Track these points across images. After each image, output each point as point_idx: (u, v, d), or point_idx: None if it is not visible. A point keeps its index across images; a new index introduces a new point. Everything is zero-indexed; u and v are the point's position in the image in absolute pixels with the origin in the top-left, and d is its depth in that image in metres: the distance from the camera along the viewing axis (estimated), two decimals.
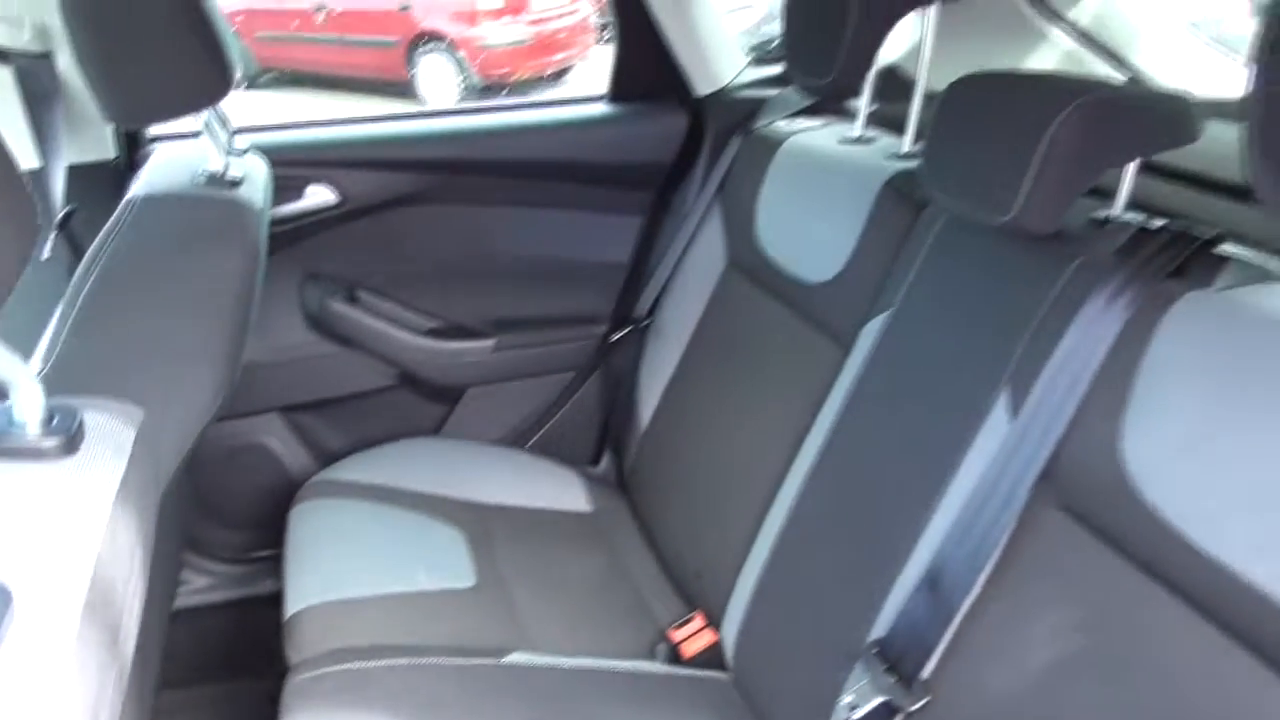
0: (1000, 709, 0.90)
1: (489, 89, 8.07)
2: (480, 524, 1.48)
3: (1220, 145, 0.95)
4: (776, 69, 1.69)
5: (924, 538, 0.99)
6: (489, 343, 1.71)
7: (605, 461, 1.77)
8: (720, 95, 1.68)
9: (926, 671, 0.95)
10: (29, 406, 0.65)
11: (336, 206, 1.59)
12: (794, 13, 1.33)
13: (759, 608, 1.21)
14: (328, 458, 1.63)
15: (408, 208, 1.64)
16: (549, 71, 8.32)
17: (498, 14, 7.98)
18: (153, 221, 1.01)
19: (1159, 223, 0.96)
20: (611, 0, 1.66)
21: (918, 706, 0.94)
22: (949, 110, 1.05)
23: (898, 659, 0.96)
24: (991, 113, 1.00)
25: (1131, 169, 1.00)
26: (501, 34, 7.97)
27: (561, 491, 1.62)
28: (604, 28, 8.78)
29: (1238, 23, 1.67)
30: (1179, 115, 0.98)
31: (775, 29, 1.53)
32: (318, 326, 1.66)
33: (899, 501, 1.04)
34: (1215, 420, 0.77)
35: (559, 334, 1.75)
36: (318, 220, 1.59)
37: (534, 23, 8.12)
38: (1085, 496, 0.87)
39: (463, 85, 8.00)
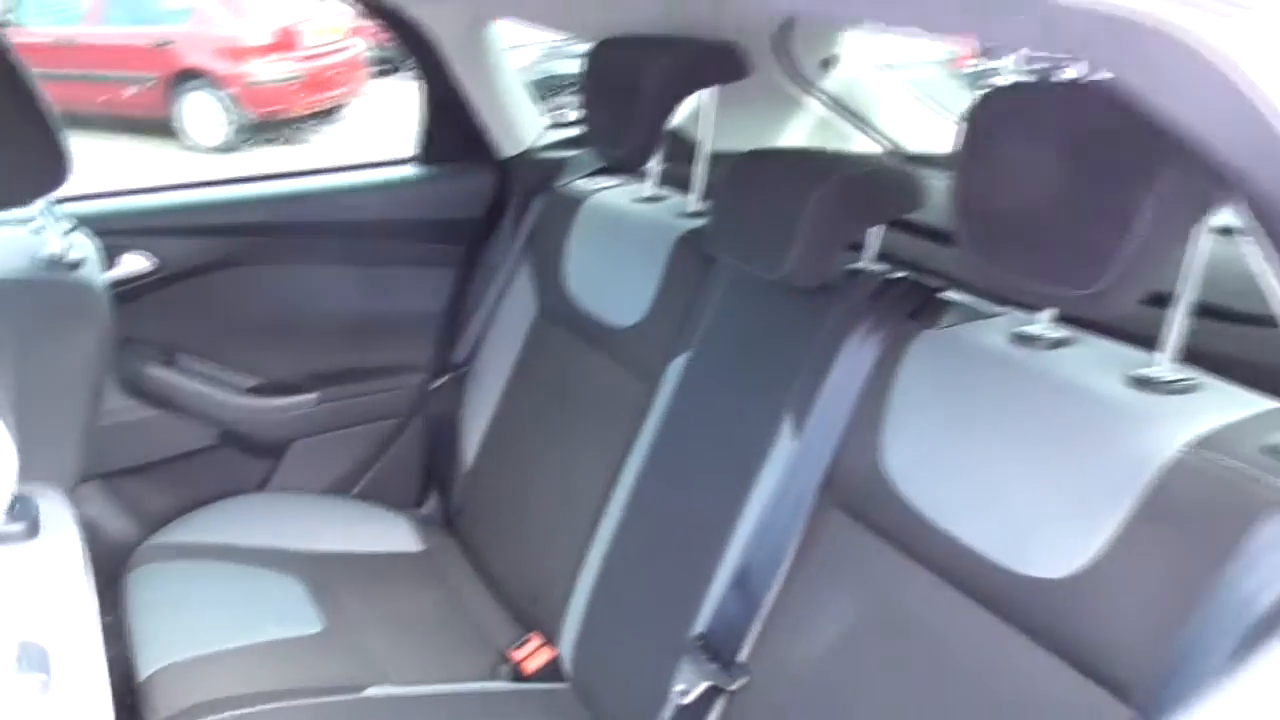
0: (805, 681, 1.09)
1: (261, 127, 7.85)
2: (318, 572, 1.54)
3: (942, 197, 1.20)
4: (574, 131, 1.86)
5: (731, 542, 1.17)
6: (312, 396, 1.77)
7: (431, 503, 1.86)
8: (524, 157, 1.82)
9: (743, 656, 1.13)
10: None
11: (152, 273, 1.61)
12: (591, 93, 1.50)
13: (592, 620, 1.36)
14: (154, 521, 1.64)
15: (225, 270, 1.68)
16: (324, 108, 8.21)
17: (265, 50, 7.78)
18: (2, 308, 1.04)
19: (899, 274, 1.20)
20: (420, 69, 1.77)
21: (738, 686, 1.12)
22: (731, 183, 1.24)
23: (718, 648, 1.13)
24: (765, 186, 1.21)
25: (877, 229, 1.23)
26: (271, 70, 7.77)
27: (391, 534, 1.70)
28: (380, 62, 8.75)
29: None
30: (910, 186, 1.21)
31: (552, 66, 1.68)
32: (134, 391, 1.66)
33: (708, 514, 1.21)
34: (947, 431, 0.99)
35: (380, 384, 1.84)
36: (132, 287, 1.61)
37: (305, 59, 7.97)
38: (858, 497, 1.07)
39: (231, 124, 7.75)
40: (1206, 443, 0.81)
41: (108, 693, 0.65)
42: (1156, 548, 0.81)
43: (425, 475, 1.88)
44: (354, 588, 1.53)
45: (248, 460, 1.78)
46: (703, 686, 1.12)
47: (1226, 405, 0.85)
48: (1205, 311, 0.92)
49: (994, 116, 0.90)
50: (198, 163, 7.43)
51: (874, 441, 1.06)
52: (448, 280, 1.87)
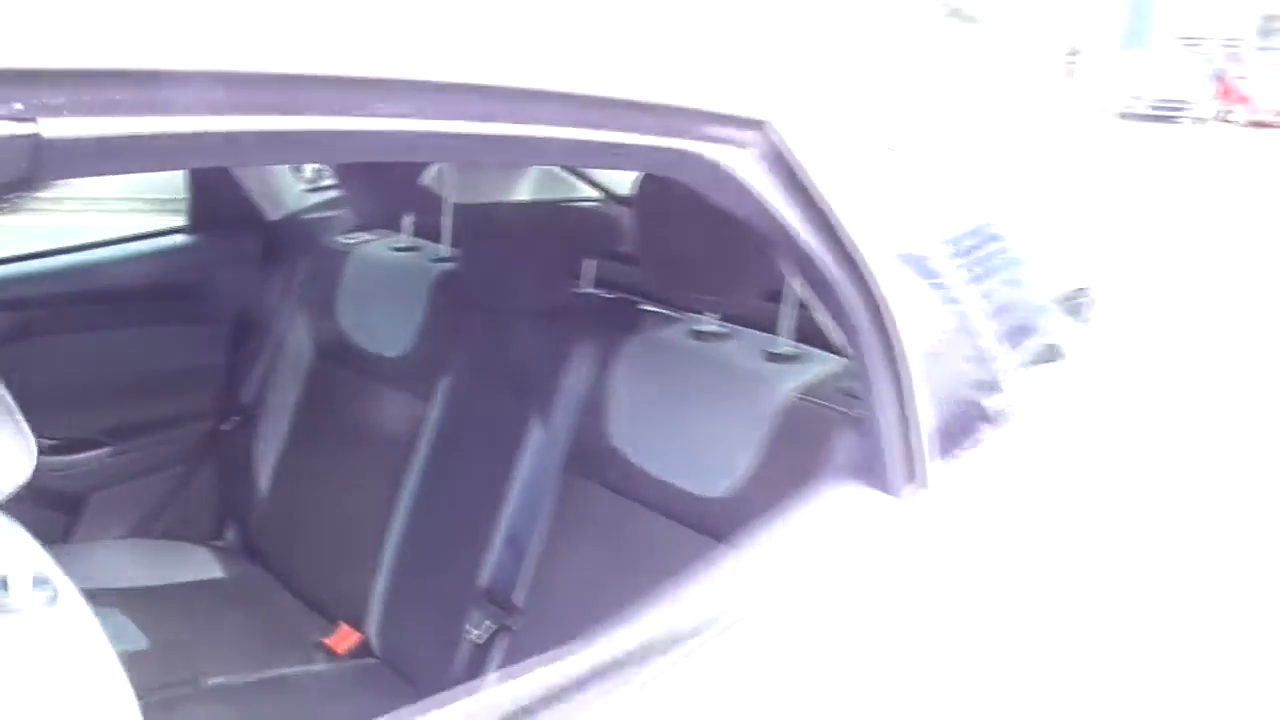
0: (569, 614, 1.40)
1: None
2: (132, 603, 1.70)
3: None
4: (331, 194, 2.12)
5: (501, 514, 1.49)
6: (105, 450, 1.92)
7: (230, 534, 2.04)
8: (289, 219, 2.07)
9: (519, 601, 1.45)
10: None
11: None
12: (347, 167, 1.78)
13: (392, 599, 1.63)
14: None
15: (10, 345, 1.81)
16: None
17: None
18: None
19: (611, 295, 1.57)
20: None
21: (518, 625, 1.43)
22: (477, 230, 1.57)
23: (499, 596, 1.45)
24: (505, 231, 1.55)
25: (590, 261, 1.60)
26: None
27: (196, 565, 1.89)
28: None
29: None
30: (615, 225, 1.59)
31: None
32: None
33: (481, 496, 1.53)
34: (652, 407, 1.37)
35: (171, 432, 2.01)
36: None
37: None
38: (595, 466, 1.42)
39: None
40: (806, 390, 1.22)
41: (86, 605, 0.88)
42: (780, 463, 1.21)
43: (221, 510, 2.06)
44: (170, 612, 1.71)
45: (47, 515, 1.90)
46: (490, 627, 1.43)
47: (819, 364, 1.28)
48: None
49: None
50: None
51: (602, 422, 1.41)
52: (226, 333, 2.07)
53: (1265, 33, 24.43)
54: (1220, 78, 21.54)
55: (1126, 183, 10.62)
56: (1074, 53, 26.33)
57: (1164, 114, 20.16)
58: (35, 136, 0.49)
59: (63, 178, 0.54)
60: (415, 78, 0.61)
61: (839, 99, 0.89)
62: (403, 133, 0.63)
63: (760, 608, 0.82)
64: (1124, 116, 20.32)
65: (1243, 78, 21.02)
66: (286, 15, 0.59)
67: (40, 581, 0.86)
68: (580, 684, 0.73)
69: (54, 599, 0.86)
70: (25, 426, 0.89)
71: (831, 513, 0.91)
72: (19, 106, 0.49)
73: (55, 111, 0.49)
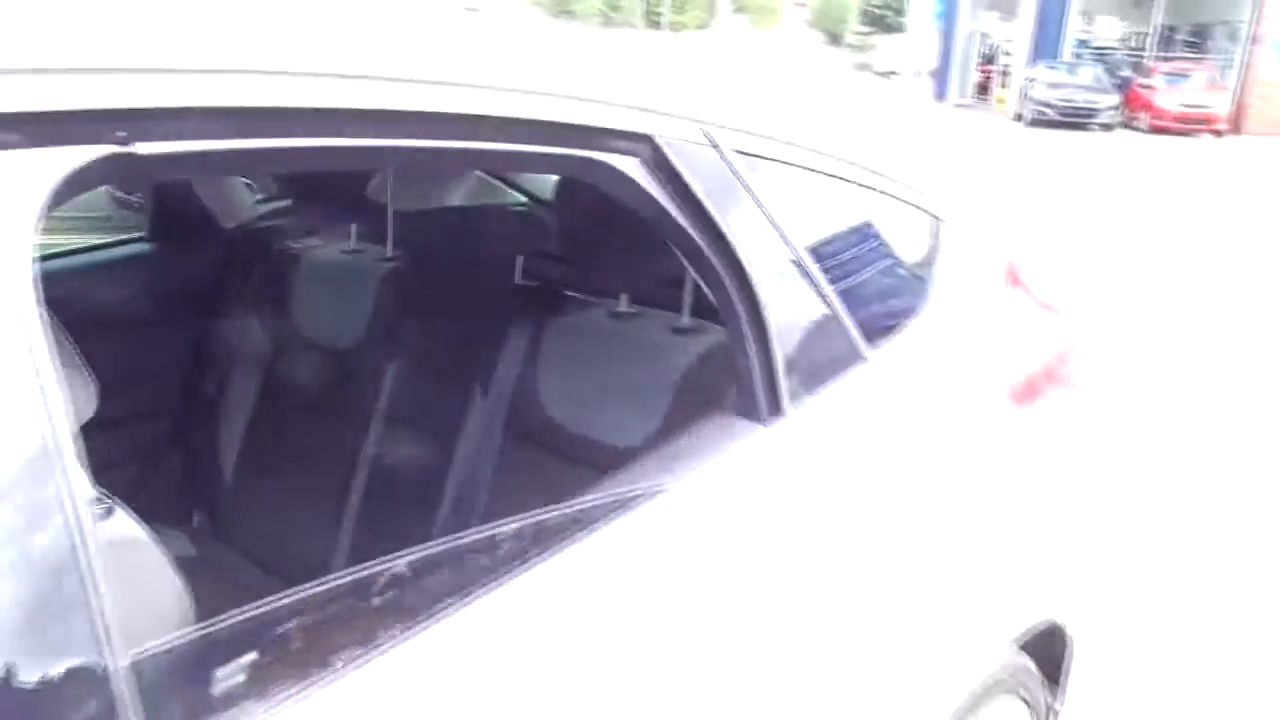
0: None
1: None
2: None
3: None
4: (282, 203, 2.32)
5: (449, 478, 1.71)
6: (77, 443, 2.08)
7: (197, 518, 2.22)
8: (243, 227, 2.26)
9: None
10: None
11: None
12: (298, 180, 1.99)
13: (352, 562, 1.83)
14: None
15: None
16: None
17: None
18: None
19: (539, 285, 1.80)
20: None
21: None
22: (423, 232, 1.79)
23: None
24: (448, 233, 1.77)
25: (521, 256, 1.83)
26: None
27: (168, 545, 2.06)
28: None
29: None
30: (540, 226, 1.83)
31: None
32: None
33: (431, 462, 1.74)
34: (577, 376, 1.60)
35: (140, 426, 2.18)
36: None
37: None
38: (529, 429, 1.65)
39: None
40: (703, 356, 1.47)
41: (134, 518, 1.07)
42: (684, 416, 1.45)
43: (188, 496, 2.24)
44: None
45: None
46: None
47: (713, 335, 1.52)
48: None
49: (571, 179, 1.52)
50: None
51: (535, 392, 1.64)
52: (188, 333, 2.26)
53: (1166, 43, 25.61)
54: (1126, 86, 22.57)
55: (1029, 179, 11.46)
56: (988, 61, 27.33)
57: (1073, 121, 21.05)
58: (132, 154, 0.71)
59: (146, 181, 0.76)
60: (390, 108, 0.84)
61: (723, 115, 1.15)
62: (372, 147, 0.85)
63: (647, 501, 1.07)
64: (1034, 124, 21.20)
65: (1148, 86, 22.03)
66: (286, 69, 0.82)
67: (96, 499, 1.06)
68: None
69: (110, 512, 1.05)
70: (87, 372, 1.08)
71: (712, 435, 1.15)
72: (123, 134, 0.71)
73: (145, 136, 0.72)
